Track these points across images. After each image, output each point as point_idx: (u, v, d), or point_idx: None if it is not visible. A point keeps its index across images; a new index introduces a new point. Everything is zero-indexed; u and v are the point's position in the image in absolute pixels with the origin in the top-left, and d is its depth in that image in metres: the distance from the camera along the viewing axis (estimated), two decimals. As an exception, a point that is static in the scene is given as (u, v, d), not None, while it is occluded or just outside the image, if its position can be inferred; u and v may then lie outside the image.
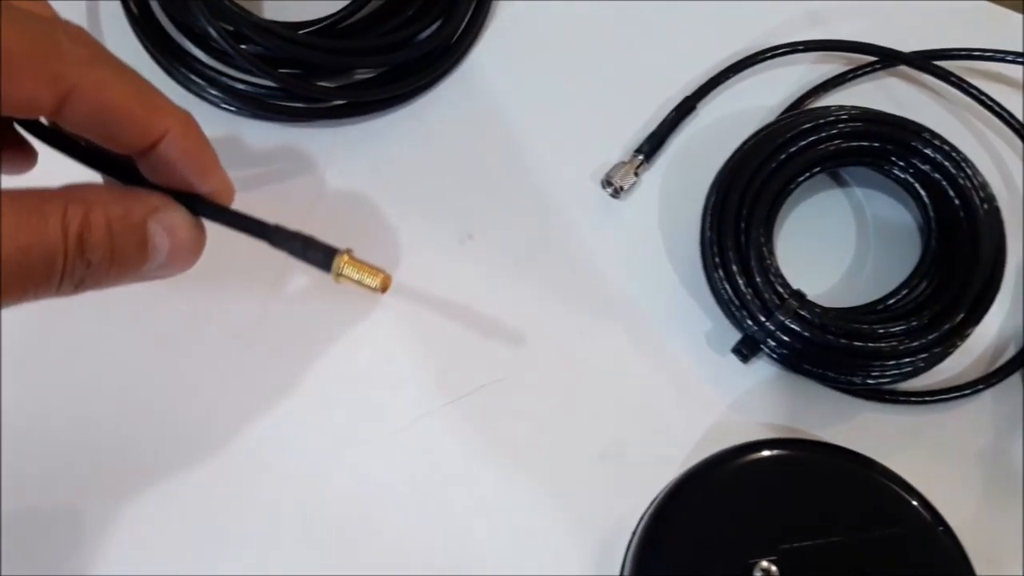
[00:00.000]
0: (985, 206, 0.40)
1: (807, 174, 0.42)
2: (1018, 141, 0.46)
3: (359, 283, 0.34)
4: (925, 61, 0.47)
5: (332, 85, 0.46)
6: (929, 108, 0.48)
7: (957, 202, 0.40)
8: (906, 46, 0.48)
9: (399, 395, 0.42)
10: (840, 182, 0.46)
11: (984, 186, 0.40)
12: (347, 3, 0.45)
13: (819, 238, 0.45)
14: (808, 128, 0.41)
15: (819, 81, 0.48)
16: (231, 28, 0.41)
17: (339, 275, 0.33)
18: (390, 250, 0.44)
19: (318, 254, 0.33)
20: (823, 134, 0.41)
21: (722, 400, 0.42)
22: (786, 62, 0.49)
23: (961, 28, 0.49)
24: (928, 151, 0.41)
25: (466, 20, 0.48)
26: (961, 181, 0.40)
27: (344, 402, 0.41)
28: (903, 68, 0.48)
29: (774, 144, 0.41)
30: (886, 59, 0.47)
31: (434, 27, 0.47)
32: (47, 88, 0.27)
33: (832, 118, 0.41)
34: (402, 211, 0.45)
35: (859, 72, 0.48)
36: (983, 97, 0.46)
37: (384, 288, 0.34)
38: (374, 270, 0.34)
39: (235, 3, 0.42)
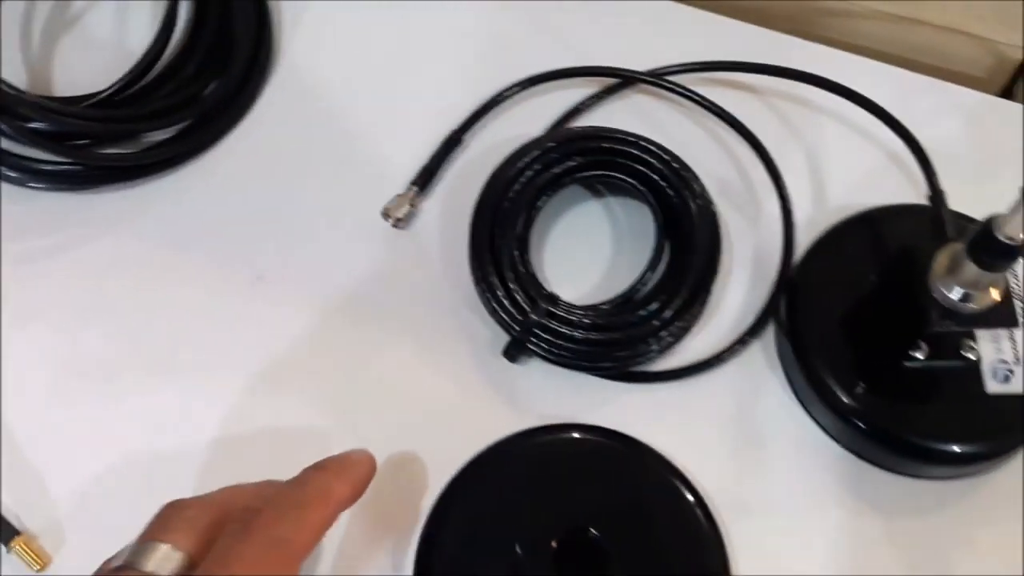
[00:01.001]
0: (699, 201, 0.46)
1: (549, 191, 0.47)
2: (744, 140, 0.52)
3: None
4: (659, 78, 0.53)
5: (126, 151, 0.50)
6: (671, 118, 0.54)
7: (676, 200, 0.46)
8: (658, 62, 0.54)
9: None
10: (595, 192, 0.52)
11: (697, 183, 0.46)
12: (128, 72, 0.49)
13: (580, 244, 0.51)
14: (546, 150, 0.47)
15: (573, 105, 0.53)
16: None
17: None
18: (187, 296, 0.49)
19: None
20: (554, 155, 0.46)
21: (501, 399, 0.47)
22: (546, 89, 0.54)
23: (705, 41, 0.55)
24: (646, 156, 0.46)
25: (244, 76, 0.52)
26: (676, 181, 0.46)
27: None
28: (645, 85, 0.54)
29: (515, 167, 0.46)
30: (627, 79, 0.53)
31: (212, 86, 0.50)
32: None
33: (559, 140, 0.47)
34: (196, 260, 0.49)
35: (607, 93, 0.54)
36: (711, 104, 0.52)
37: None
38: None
39: (9, 85, 0.45)
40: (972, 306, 0.41)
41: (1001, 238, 0.37)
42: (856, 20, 0.59)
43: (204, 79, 0.50)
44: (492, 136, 0.53)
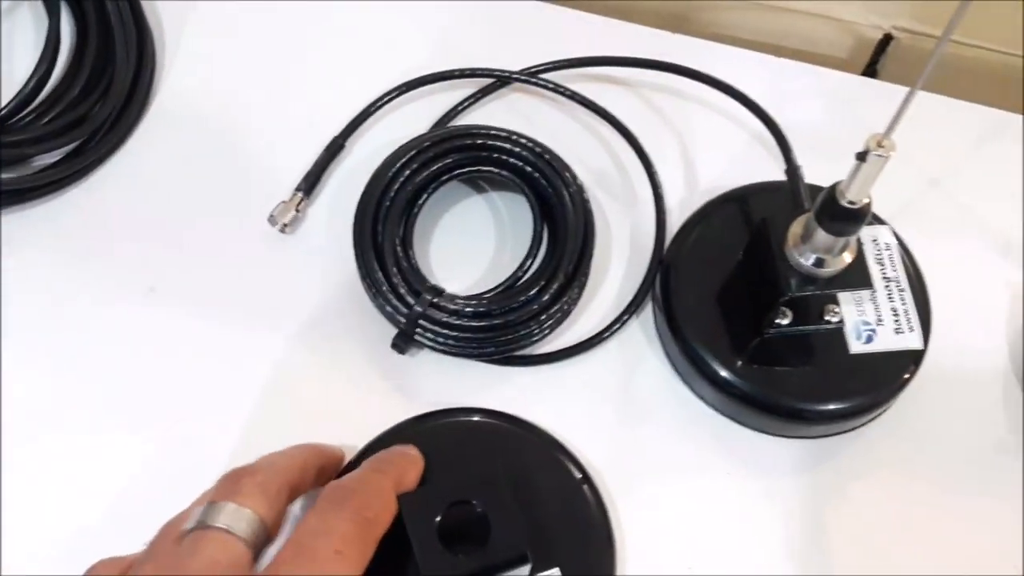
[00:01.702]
0: (571, 190, 0.48)
1: (428, 189, 0.49)
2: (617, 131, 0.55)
3: None
4: (533, 76, 0.55)
5: (17, 175, 0.50)
6: (547, 114, 0.56)
7: (549, 189, 0.48)
8: (535, 60, 0.56)
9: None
10: (477, 188, 0.54)
11: (569, 172, 0.48)
12: (15, 97, 0.50)
13: (465, 237, 0.52)
14: (422, 150, 0.49)
15: (452, 106, 0.55)
16: None
17: None
18: (79, 310, 0.50)
19: None
20: (430, 154, 0.48)
21: (393, 389, 0.48)
22: (426, 92, 0.56)
23: (581, 39, 0.58)
24: (518, 150, 0.48)
25: (129, 94, 0.53)
26: (549, 172, 0.48)
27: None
28: (522, 84, 0.56)
29: (394, 168, 0.48)
30: (504, 79, 0.55)
31: (98, 107, 0.51)
32: None
33: (435, 140, 0.49)
34: (90, 275, 0.51)
35: (486, 93, 0.56)
36: (583, 99, 0.55)
37: None
38: None
39: None
40: (826, 270, 0.43)
41: (843, 203, 0.39)
42: (723, 12, 0.62)
43: (90, 100, 0.51)
44: (376, 139, 0.55)
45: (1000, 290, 0.53)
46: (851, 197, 0.39)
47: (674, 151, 0.55)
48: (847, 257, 0.43)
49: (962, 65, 0.61)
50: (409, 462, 0.41)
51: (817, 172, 0.49)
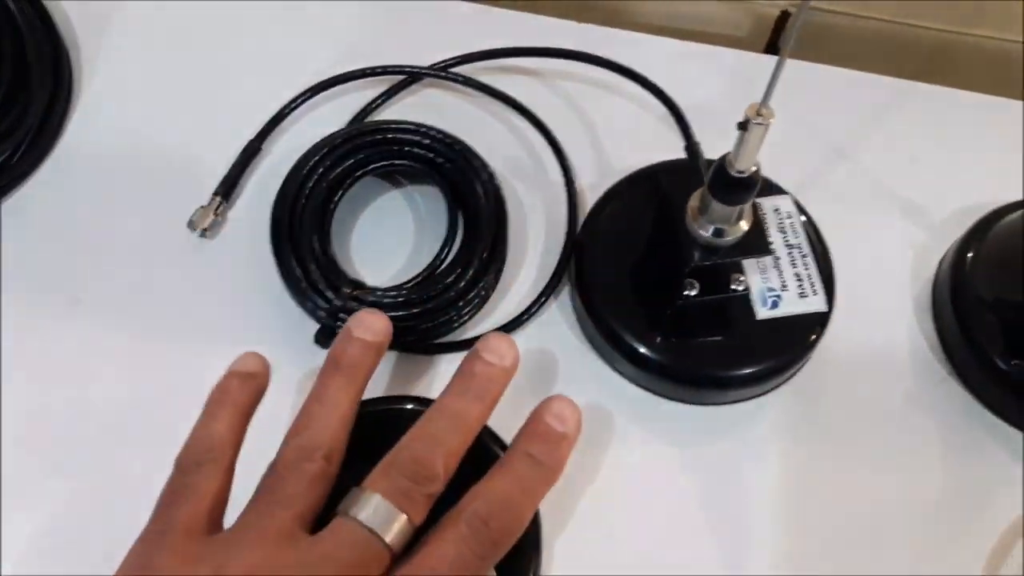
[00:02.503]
0: (483, 177, 0.49)
1: (343, 185, 0.50)
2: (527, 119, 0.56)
3: None
4: (443, 71, 0.56)
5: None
6: (460, 106, 0.58)
7: (461, 179, 0.50)
8: (444, 55, 0.58)
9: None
10: (394, 182, 0.55)
11: (478, 161, 0.50)
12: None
13: (385, 231, 0.54)
14: (334, 147, 0.50)
15: (366, 103, 0.57)
16: None
17: None
18: (7, 323, 0.50)
19: None
20: (341, 152, 0.50)
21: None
22: (341, 91, 0.57)
23: (491, 33, 0.59)
24: (428, 142, 0.50)
25: (47, 110, 0.54)
26: (460, 162, 0.50)
27: None
28: (433, 79, 0.58)
29: (307, 167, 0.49)
30: (415, 75, 0.56)
31: (16, 122, 0.52)
32: None
33: (346, 137, 0.50)
34: (14, 290, 0.51)
35: (398, 90, 0.57)
36: (492, 90, 0.56)
37: None
38: None
39: None
40: (726, 240, 0.45)
41: (733, 173, 0.41)
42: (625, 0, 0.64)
43: (6, 118, 0.51)
44: (294, 140, 0.56)
45: (906, 252, 0.55)
46: (739, 167, 0.40)
47: (584, 136, 0.57)
48: (744, 225, 0.44)
49: (862, 36, 0.63)
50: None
51: (722, 148, 0.50)
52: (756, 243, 0.45)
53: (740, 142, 0.39)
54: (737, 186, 0.41)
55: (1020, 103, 0.59)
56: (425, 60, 0.57)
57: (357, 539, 0.33)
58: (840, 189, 0.56)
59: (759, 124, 0.37)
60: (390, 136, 0.50)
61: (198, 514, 0.34)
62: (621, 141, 0.57)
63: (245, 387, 0.39)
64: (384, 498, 0.34)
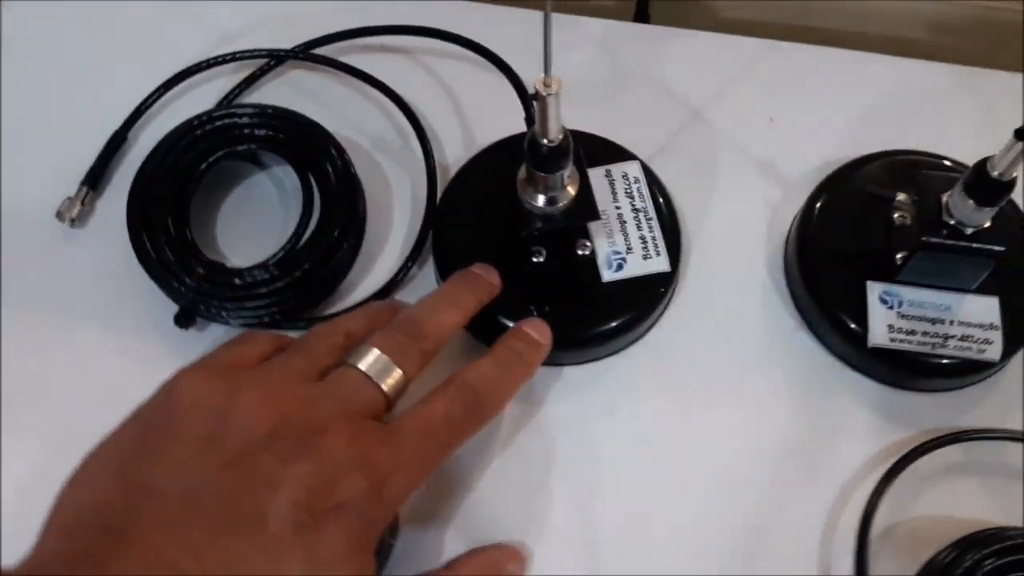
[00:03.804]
0: (331, 151, 0.51)
1: (201, 169, 0.52)
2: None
3: None
4: (306, 52, 0.57)
5: None
6: (324, 87, 0.59)
7: (311, 158, 0.51)
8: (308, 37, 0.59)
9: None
10: (259, 164, 0.56)
11: (325, 135, 0.51)
12: None
13: (253, 212, 0.56)
14: (184, 133, 0.51)
15: (231, 88, 0.58)
16: None
17: None
18: None
19: None
20: (192, 137, 0.51)
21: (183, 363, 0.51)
22: (210, 76, 0.59)
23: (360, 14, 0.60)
24: (277, 123, 0.52)
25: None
26: (309, 140, 0.51)
27: None
28: (298, 61, 0.59)
29: (160, 153, 0.51)
30: (275, 57, 0.58)
31: None
32: None
33: (199, 122, 0.51)
34: None
35: (262, 73, 0.58)
36: (350, 68, 0.58)
37: None
38: None
39: None
40: (559, 207, 0.47)
41: (542, 142, 0.42)
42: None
43: None
44: (163, 128, 0.55)
45: (763, 210, 0.56)
46: (550, 136, 0.42)
47: (450, 112, 0.58)
48: (571, 191, 0.46)
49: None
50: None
51: (589, 119, 0.52)
52: (586, 208, 0.46)
53: (538, 113, 0.40)
54: (550, 156, 0.43)
55: (877, 56, 0.60)
56: (293, 43, 0.59)
57: (357, 383, 0.39)
58: (699, 152, 0.57)
59: (548, 94, 0.38)
60: (237, 120, 0.51)
61: (244, 356, 0.41)
62: (486, 115, 0.58)
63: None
64: (383, 352, 0.39)
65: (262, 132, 0.51)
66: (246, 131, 0.51)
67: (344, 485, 0.35)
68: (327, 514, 0.35)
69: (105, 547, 0.33)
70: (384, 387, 0.39)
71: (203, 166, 0.52)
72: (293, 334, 0.48)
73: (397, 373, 0.40)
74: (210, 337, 0.52)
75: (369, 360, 0.39)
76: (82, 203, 0.53)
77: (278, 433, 0.35)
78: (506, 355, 0.44)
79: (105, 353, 0.51)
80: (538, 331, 0.46)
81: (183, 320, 0.50)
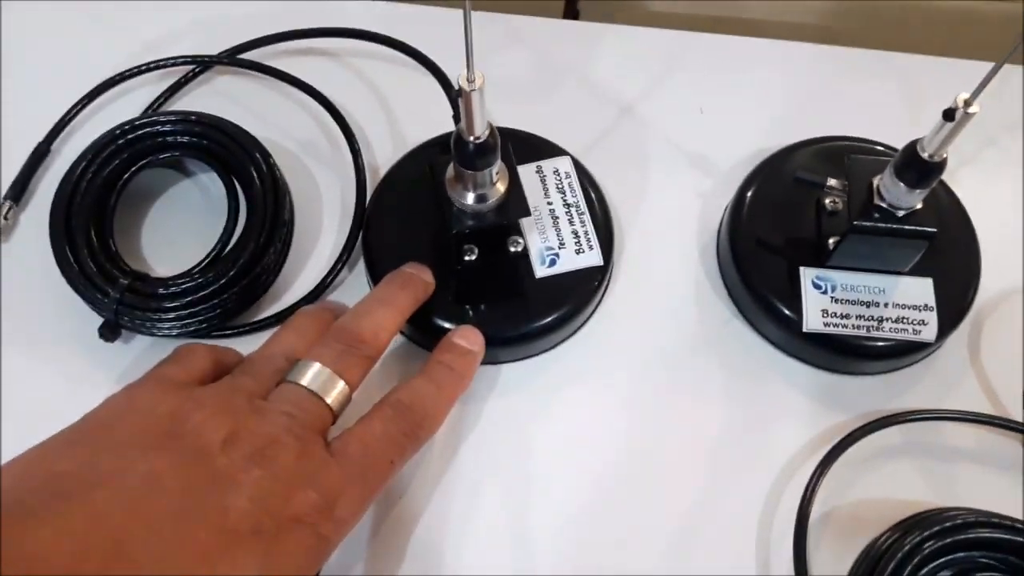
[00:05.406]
0: (255, 156, 0.50)
1: (123, 179, 0.51)
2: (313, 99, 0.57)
3: None
4: (231, 57, 0.57)
5: None
6: (252, 92, 0.58)
7: (235, 160, 0.50)
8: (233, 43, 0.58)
9: None
10: (184, 171, 0.56)
11: (250, 140, 0.51)
12: None
13: (178, 220, 0.55)
14: (106, 144, 0.50)
15: (155, 97, 0.57)
16: None
17: None
18: None
19: None
20: (114, 147, 0.50)
21: (112, 379, 0.50)
22: (135, 85, 0.58)
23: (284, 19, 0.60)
24: (198, 129, 0.51)
25: None
26: (232, 145, 0.51)
27: None
28: (224, 67, 0.58)
29: (82, 164, 0.50)
30: (200, 64, 0.57)
31: None
32: None
33: (120, 133, 0.50)
34: None
35: (187, 80, 0.57)
36: (276, 71, 0.57)
37: None
38: None
39: None
40: (489, 204, 0.46)
41: (468, 140, 0.42)
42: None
43: None
44: (87, 140, 0.55)
45: (694, 201, 0.56)
46: (475, 133, 0.42)
47: (379, 113, 0.58)
48: (501, 188, 0.46)
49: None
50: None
51: (521, 116, 0.52)
52: (516, 205, 0.46)
53: (463, 109, 0.40)
54: (477, 152, 0.42)
55: (804, 45, 0.61)
56: (218, 49, 0.58)
57: (301, 399, 0.39)
58: (630, 145, 0.57)
59: (472, 90, 0.38)
60: (160, 127, 0.50)
61: (187, 369, 0.40)
62: (416, 116, 0.58)
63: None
64: (324, 365, 0.39)
65: (186, 139, 0.50)
66: (170, 139, 0.50)
67: (300, 498, 0.35)
68: (287, 524, 0.34)
69: (49, 505, 0.31)
70: (328, 400, 0.39)
71: (127, 175, 0.50)
72: (224, 343, 0.47)
73: (340, 384, 0.40)
74: (136, 349, 0.51)
75: (310, 375, 0.39)
76: (5, 217, 0.52)
77: (233, 441, 0.35)
78: (438, 371, 0.44)
79: (28, 368, 0.50)
80: (469, 339, 0.46)
81: (107, 333, 0.49)
